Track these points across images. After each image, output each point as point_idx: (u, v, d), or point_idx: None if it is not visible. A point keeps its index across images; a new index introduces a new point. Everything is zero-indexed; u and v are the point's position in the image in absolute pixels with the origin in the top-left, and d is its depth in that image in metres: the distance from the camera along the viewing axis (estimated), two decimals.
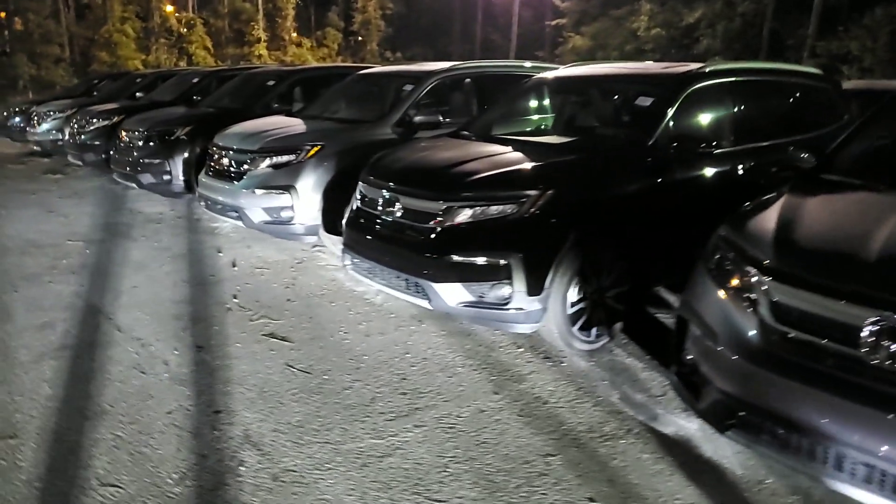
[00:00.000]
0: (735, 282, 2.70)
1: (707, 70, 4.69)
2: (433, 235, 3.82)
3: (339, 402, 3.38)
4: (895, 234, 2.50)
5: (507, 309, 3.69)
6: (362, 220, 4.37)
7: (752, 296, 2.59)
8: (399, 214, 4.07)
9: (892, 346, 2.17)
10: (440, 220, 3.82)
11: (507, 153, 4.27)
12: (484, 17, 41.82)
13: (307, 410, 3.28)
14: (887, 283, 2.27)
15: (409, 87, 6.21)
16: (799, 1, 24.04)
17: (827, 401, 2.27)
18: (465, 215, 3.77)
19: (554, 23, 33.56)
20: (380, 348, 4.02)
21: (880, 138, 3.53)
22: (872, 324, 2.21)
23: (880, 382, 2.19)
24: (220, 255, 6.06)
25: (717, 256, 2.87)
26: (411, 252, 3.91)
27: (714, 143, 4.38)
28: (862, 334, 2.24)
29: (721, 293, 2.74)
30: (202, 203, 6.50)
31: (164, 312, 4.56)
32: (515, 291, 3.65)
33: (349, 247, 4.47)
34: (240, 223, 6.09)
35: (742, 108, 4.88)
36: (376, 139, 5.84)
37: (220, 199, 6.05)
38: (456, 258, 3.72)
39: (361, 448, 2.97)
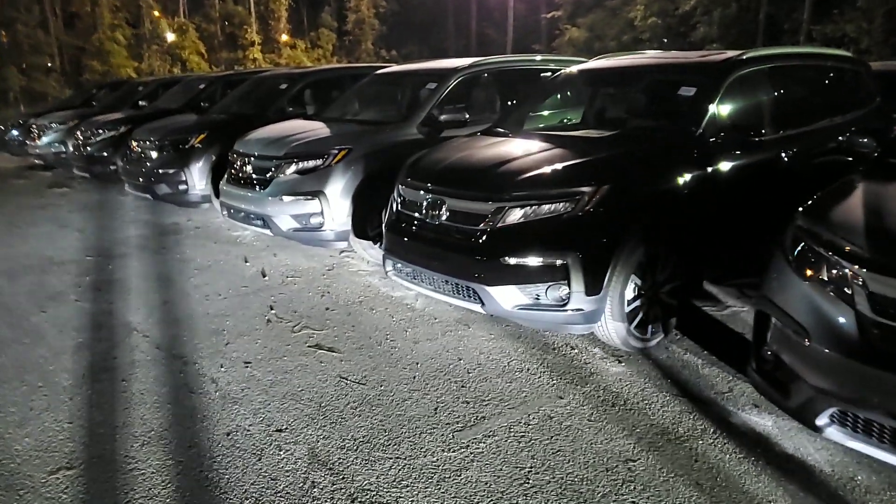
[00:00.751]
0: (823, 274, 2.59)
1: (746, 57, 4.58)
2: (483, 237, 3.71)
3: (402, 413, 3.26)
4: None
5: (565, 310, 3.58)
6: (403, 224, 4.25)
7: (846, 288, 2.49)
8: (445, 217, 3.95)
9: None
10: (490, 222, 3.71)
11: (552, 149, 4.15)
12: (478, 11, 41.67)
13: (370, 424, 3.17)
14: None
15: (431, 86, 6.08)
16: None
17: None
18: (516, 215, 3.66)
19: (549, 15, 33.46)
20: (431, 355, 3.91)
21: None
22: None
23: None
24: (248, 264, 5.94)
25: (800, 248, 2.76)
26: (460, 255, 3.80)
27: (760, 131, 4.29)
28: None
29: (807, 286, 2.63)
30: (224, 212, 6.38)
31: (202, 328, 4.43)
32: (573, 292, 3.53)
33: (390, 251, 4.35)
34: (263, 231, 5.96)
35: (783, 94, 4.78)
36: (403, 140, 5.71)
37: (245, 207, 5.92)
38: (509, 260, 3.60)
39: (435, 462, 2.85)
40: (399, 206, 4.37)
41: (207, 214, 7.96)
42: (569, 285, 3.54)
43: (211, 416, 3.29)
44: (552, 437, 3.03)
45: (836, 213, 2.78)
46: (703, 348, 3.93)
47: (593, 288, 3.55)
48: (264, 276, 5.55)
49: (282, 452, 2.96)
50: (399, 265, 4.27)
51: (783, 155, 4.46)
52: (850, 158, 4.88)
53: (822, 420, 2.49)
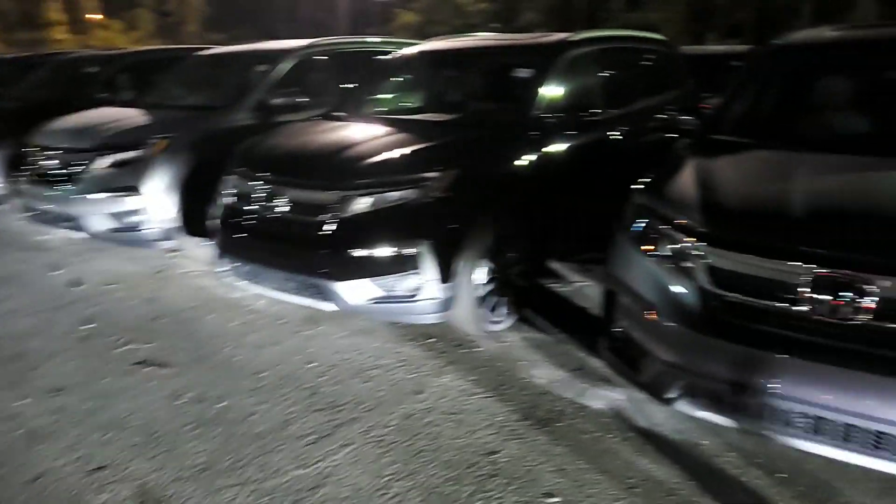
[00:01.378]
0: (665, 250, 2.65)
1: (578, 38, 4.67)
2: (329, 229, 3.46)
3: (247, 431, 2.95)
4: (812, 189, 2.57)
5: (420, 300, 3.44)
6: (238, 219, 3.88)
7: (687, 262, 2.55)
8: (284, 209, 3.64)
9: (832, 300, 2.20)
10: (335, 212, 3.46)
11: (395, 134, 3.97)
12: None
13: (211, 448, 2.83)
14: (819, 237, 2.30)
15: (264, 68, 5.65)
16: None
17: (773, 360, 2.27)
18: (363, 204, 3.44)
19: None
20: (277, 361, 3.61)
21: (756, 97, 3.67)
22: (811, 279, 2.23)
23: (824, 337, 2.22)
24: (58, 273, 5.20)
25: (641, 225, 2.80)
26: (304, 250, 3.52)
27: (593, 111, 4.39)
28: (801, 291, 2.25)
29: (651, 262, 2.68)
30: (26, 213, 5.54)
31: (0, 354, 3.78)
32: (427, 280, 3.40)
33: (224, 250, 3.96)
34: (76, 234, 5.25)
35: (612, 74, 4.95)
36: (234, 126, 5.26)
37: (50, 207, 5.17)
38: (359, 252, 3.39)
39: (287, 483, 2.59)
40: (232, 198, 3.98)
41: (4, 217, 6.91)
42: (421, 274, 3.40)
43: (12, 460, 2.77)
44: (413, 437, 2.88)
45: (673, 189, 2.86)
46: (554, 326, 3.97)
47: (446, 275, 3.44)
48: (79, 286, 4.88)
49: (104, 494, 2.55)
50: (235, 265, 3.90)
51: (615, 133, 4.62)
52: (676, 135, 5.22)
53: (672, 393, 2.55)
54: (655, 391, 2.64)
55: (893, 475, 2.28)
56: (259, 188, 3.75)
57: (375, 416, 3.04)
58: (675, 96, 5.59)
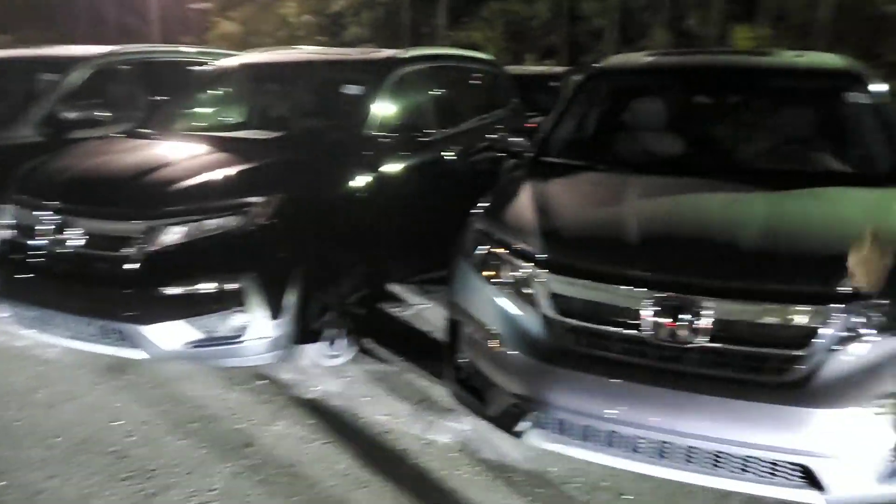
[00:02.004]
0: (507, 277, 2.57)
1: (408, 56, 4.57)
2: (134, 265, 3.00)
3: None
4: (645, 213, 2.62)
5: (246, 340, 3.09)
6: (19, 256, 3.26)
7: (529, 290, 2.48)
8: (78, 242, 3.11)
9: (670, 324, 2.22)
10: (141, 245, 3.01)
11: (212, 154, 3.57)
12: None
13: None
14: (655, 262, 2.33)
15: (54, 77, 4.92)
16: None
17: (618, 387, 2.25)
18: (174, 235, 3.03)
19: (198, 6, 31.36)
20: (75, 421, 3.06)
21: (581, 120, 3.76)
22: (649, 304, 2.25)
23: (666, 361, 2.24)
24: None
25: (481, 252, 2.71)
26: (104, 290, 3.04)
27: (426, 130, 4.30)
28: (640, 315, 2.26)
29: (493, 291, 2.58)
30: None
31: None
32: (254, 318, 3.06)
33: (3, 293, 3.32)
34: None
35: (442, 93, 4.90)
36: (16, 143, 4.50)
37: None
38: (171, 290, 2.97)
39: None
40: (12, 232, 3.35)
41: None
42: (248, 311, 3.06)
43: None
44: (242, 501, 2.53)
45: (511, 214, 2.80)
46: (396, 354, 3.78)
47: (276, 310, 3.12)
48: None
49: None
50: (18, 310, 3.28)
51: (449, 153, 4.56)
52: (508, 157, 5.29)
53: (521, 426, 2.46)
54: (505, 424, 2.54)
55: (729, 491, 2.35)
56: (46, 219, 3.18)
57: (196, 480, 2.65)
58: (503, 115, 5.69)
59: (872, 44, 16.45)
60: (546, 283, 2.42)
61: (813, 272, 2.22)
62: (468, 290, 2.69)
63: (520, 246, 2.56)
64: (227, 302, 3.02)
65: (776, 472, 2.12)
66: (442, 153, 4.52)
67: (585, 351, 2.33)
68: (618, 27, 22.61)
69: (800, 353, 2.11)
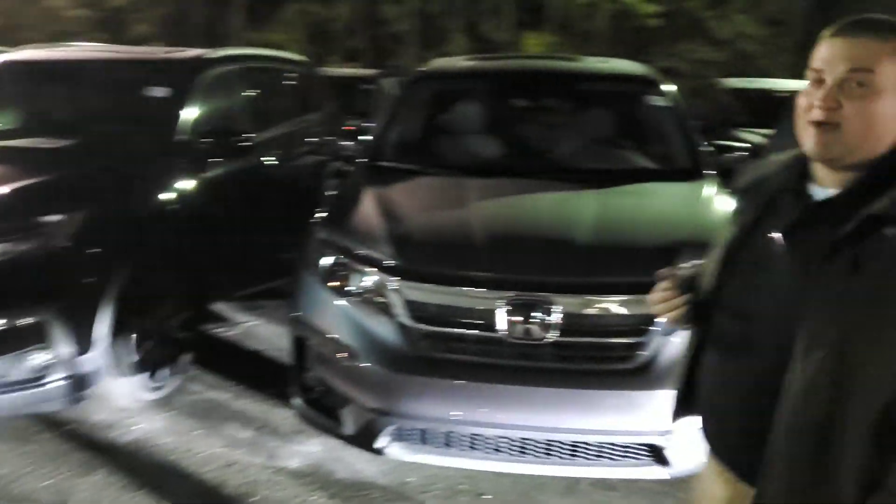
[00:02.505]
0: (357, 287, 2.46)
1: (218, 55, 4.24)
2: None
3: None
4: (487, 215, 2.64)
5: (49, 382, 2.65)
6: None
7: (382, 298, 2.40)
8: None
9: (523, 323, 2.26)
10: None
11: None
12: None
13: None
14: (504, 263, 2.37)
15: None
16: None
17: (481, 389, 2.26)
18: None
19: None
20: None
21: (411, 123, 3.74)
22: (501, 305, 2.27)
23: (522, 359, 2.28)
24: None
25: (327, 263, 2.57)
26: None
27: (245, 134, 4.02)
28: (496, 316, 2.28)
29: (344, 303, 2.47)
30: None
31: None
32: (58, 356, 2.64)
33: None
34: None
35: (258, 95, 4.62)
36: None
37: None
38: None
39: None
40: None
41: None
42: (49, 348, 2.63)
43: None
44: None
45: (355, 221, 2.69)
46: (226, 379, 3.49)
47: (84, 344, 2.73)
48: None
49: None
50: None
51: (268, 158, 4.32)
52: (334, 161, 5.14)
53: (381, 441, 2.37)
54: (363, 442, 2.43)
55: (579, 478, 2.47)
56: None
57: None
58: (320, 119, 5.53)
59: (643, 50, 18.51)
60: (399, 290, 2.35)
61: (643, 263, 2.37)
62: (315, 303, 2.54)
63: (369, 254, 2.46)
64: (22, 340, 2.57)
65: (628, 454, 2.25)
66: (262, 159, 4.27)
67: (444, 356, 2.31)
68: (417, 32, 23.15)
69: (640, 340, 2.25)
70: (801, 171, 1.15)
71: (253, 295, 4.35)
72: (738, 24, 19.94)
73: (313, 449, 2.87)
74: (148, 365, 3.14)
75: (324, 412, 2.55)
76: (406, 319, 2.35)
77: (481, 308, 2.29)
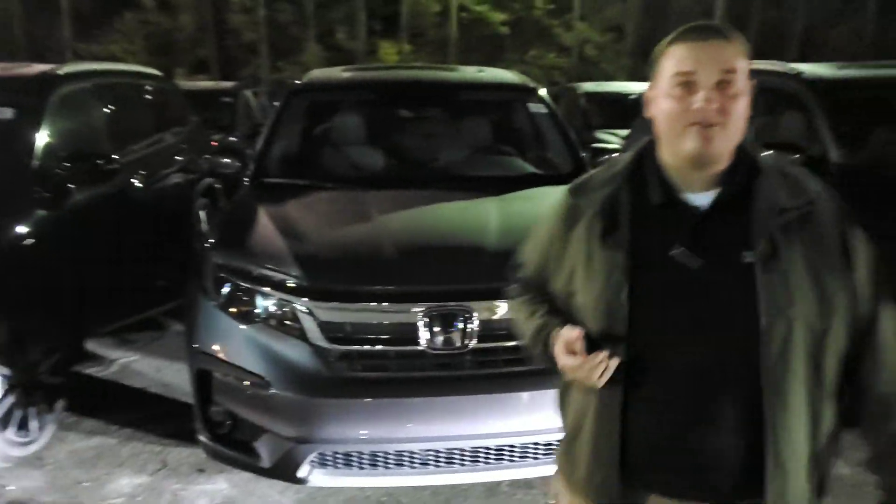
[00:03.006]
0: (263, 312, 2.35)
1: (66, 72, 3.85)
2: None
3: None
4: (391, 229, 2.61)
5: None
6: None
7: (293, 322, 2.31)
8: None
9: (444, 333, 2.26)
10: None
11: None
12: None
13: None
14: (418, 275, 2.35)
15: None
16: (48, 3, 23.00)
17: (405, 404, 2.24)
18: None
19: None
20: None
21: (295, 137, 3.62)
22: (418, 318, 2.26)
23: (445, 369, 2.28)
24: None
25: (227, 289, 2.43)
26: None
27: (109, 156, 3.71)
28: (415, 329, 2.26)
29: (249, 330, 2.35)
30: None
31: None
32: None
33: None
34: None
35: (117, 113, 4.28)
36: None
37: None
38: None
39: None
40: None
41: None
42: None
43: None
44: None
45: (256, 243, 2.56)
46: (109, 422, 3.20)
47: None
48: None
49: None
50: None
51: (139, 179, 4.02)
52: (209, 179, 4.87)
53: (303, 470, 2.27)
54: (283, 473, 2.32)
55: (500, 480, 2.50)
56: None
57: None
58: (184, 135, 5.23)
59: (496, 58, 19.21)
60: (311, 311, 2.27)
61: None
62: (217, 333, 2.39)
63: (274, 276, 2.36)
64: None
65: (551, 451, 2.31)
66: (129, 181, 3.96)
67: (363, 375, 2.26)
68: (269, 41, 22.48)
69: None
70: (648, 182, 1.13)
71: (126, 328, 4.03)
72: (581, 31, 21.26)
73: (220, 486, 2.71)
74: (16, 418, 2.82)
75: (235, 447, 2.41)
76: (320, 341, 2.27)
77: (399, 322, 2.26)
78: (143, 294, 4.00)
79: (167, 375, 3.69)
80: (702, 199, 1.11)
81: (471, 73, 4.14)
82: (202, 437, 2.50)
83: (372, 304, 2.28)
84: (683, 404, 1.09)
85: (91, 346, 3.91)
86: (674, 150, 1.10)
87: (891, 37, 17.91)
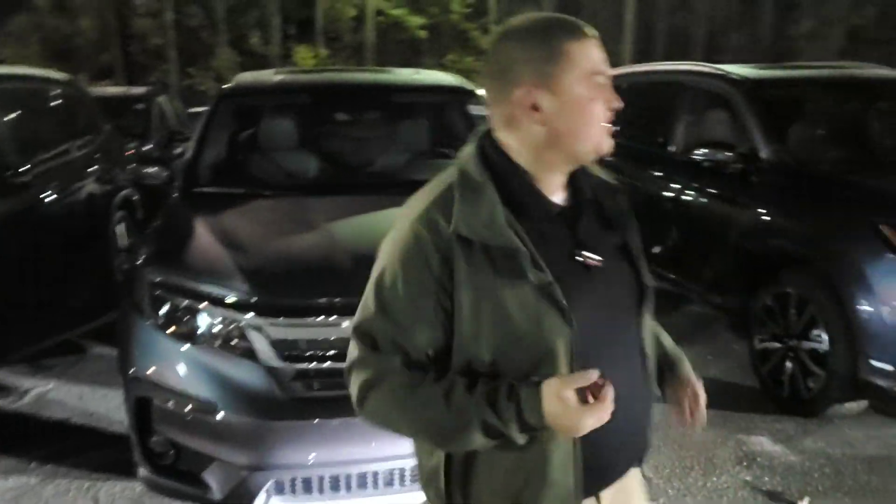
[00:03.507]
0: (209, 332, 2.18)
1: None
2: None
3: None
4: (342, 237, 2.48)
5: None
6: None
7: (240, 341, 2.15)
8: None
9: None
10: None
11: None
12: None
13: None
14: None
15: None
16: None
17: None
18: None
19: None
20: None
21: (226, 144, 3.41)
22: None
23: None
24: None
25: (166, 308, 2.24)
26: None
27: (18, 168, 3.42)
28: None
29: (193, 351, 2.18)
30: None
31: None
32: None
33: None
34: None
35: (21, 122, 3.94)
36: None
37: None
38: None
39: None
40: None
41: None
42: None
43: None
44: None
45: (196, 258, 2.38)
46: (26, 460, 2.91)
47: None
48: None
49: None
50: None
51: (50, 192, 3.72)
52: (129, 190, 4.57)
53: (260, 499, 2.12)
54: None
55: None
56: None
57: None
58: (98, 144, 4.90)
59: (414, 61, 19.17)
60: (261, 328, 2.12)
61: None
62: (157, 356, 2.21)
63: (219, 292, 2.19)
64: None
65: None
66: (37, 193, 3.65)
67: (321, 395, 2.12)
68: (177, 46, 21.58)
69: None
70: (518, 191, 1.05)
71: (39, 353, 3.71)
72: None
73: None
74: None
75: (181, 478, 2.22)
76: (272, 360, 2.12)
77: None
78: (57, 315, 3.69)
79: (91, 403, 3.40)
80: (559, 198, 1.10)
81: (408, 75, 4.04)
82: (142, 470, 2.30)
83: (327, 318, 2.14)
84: (620, 392, 0.99)
85: (0, 375, 3.58)
86: (586, 149, 1.05)
87: (785, 42, 19.14)
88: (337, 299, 2.18)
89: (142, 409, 2.25)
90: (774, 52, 17.91)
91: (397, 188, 2.99)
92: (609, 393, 0.97)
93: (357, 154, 3.50)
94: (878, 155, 3.78)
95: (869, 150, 3.82)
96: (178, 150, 5.46)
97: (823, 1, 18.61)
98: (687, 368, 1.24)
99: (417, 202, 1.08)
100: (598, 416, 0.95)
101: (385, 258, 1.07)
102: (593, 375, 0.97)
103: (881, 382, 2.78)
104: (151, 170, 3.27)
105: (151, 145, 6.82)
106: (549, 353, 1.01)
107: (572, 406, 0.95)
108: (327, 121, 3.70)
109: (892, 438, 2.95)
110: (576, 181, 1.11)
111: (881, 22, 16.90)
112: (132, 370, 2.24)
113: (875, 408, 3.00)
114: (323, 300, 2.18)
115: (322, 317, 2.16)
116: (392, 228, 1.09)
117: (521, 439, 1.00)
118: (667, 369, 1.24)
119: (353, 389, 1.07)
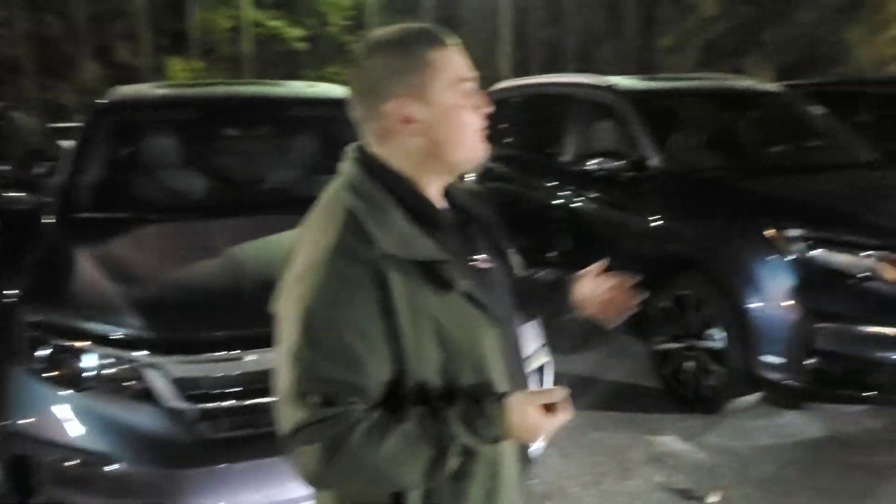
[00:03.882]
0: (97, 375, 1.96)
1: None
2: None
3: None
4: (242, 263, 2.30)
5: None
6: None
7: (135, 382, 1.95)
8: None
9: None
10: None
11: None
12: None
13: None
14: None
15: None
16: None
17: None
18: None
19: None
20: None
21: (106, 164, 3.10)
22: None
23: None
24: None
25: (45, 351, 1.99)
26: None
27: None
28: None
29: (80, 397, 1.94)
30: None
31: None
32: None
33: None
34: None
35: None
36: None
37: None
38: None
39: None
40: None
41: None
42: None
43: None
44: None
45: (79, 292, 2.13)
46: None
47: None
48: None
49: None
50: None
51: None
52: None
53: None
54: None
55: None
56: None
57: None
58: None
59: (293, 74, 18.68)
60: (162, 366, 1.93)
61: None
62: (36, 406, 1.95)
63: (108, 329, 1.97)
64: None
65: None
66: None
67: (232, 435, 1.95)
68: (34, 58, 19.86)
69: None
70: (415, 205, 1.03)
71: None
72: None
73: None
74: None
75: None
76: (174, 400, 1.93)
77: (267, 370, 1.99)
78: None
79: None
80: (445, 203, 1.09)
81: (300, 88, 3.88)
82: None
83: (234, 351, 1.98)
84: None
85: None
86: (464, 155, 1.04)
87: (647, 55, 20.51)
88: (242, 330, 2.02)
89: (19, 470, 1.98)
90: (640, 64, 19.10)
91: (292, 206, 2.85)
92: (567, 400, 1.01)
93: (249, 171, 3.30)
94: (752, 161, 4.04)
95: (744, 155, 4.09)
96: (41, 171, 4.96)
97: (681, 17, 20.14)
98: (569, 277, 1.33)
99: (319, 235, 0.99)
100: (559, 421, 1.01)
101: (306, 308, 0.95)
102: (559, 394, 1.01)
103: (772, 376, 2.94)
104: (17, 194, 2.92)
105: (7, 166, 6.16)
106: (485, 357, 1.02)
107: (538, 418, 0.99)
108: (217, 137, 3.47)
109: (786, 427, 3.14)
110: (447, 190, 1.11)
111: (728, 37, 18.53)
112: (5, 424, 1.96)
113: (768, 399, 3.18)
114: (226, 332, 2.02)
115: (226, 350, 1.99)
116: (295, 279, 0.98)
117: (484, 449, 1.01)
118: (555, 291, 1.33)
119: (309, 461, 0.94)
